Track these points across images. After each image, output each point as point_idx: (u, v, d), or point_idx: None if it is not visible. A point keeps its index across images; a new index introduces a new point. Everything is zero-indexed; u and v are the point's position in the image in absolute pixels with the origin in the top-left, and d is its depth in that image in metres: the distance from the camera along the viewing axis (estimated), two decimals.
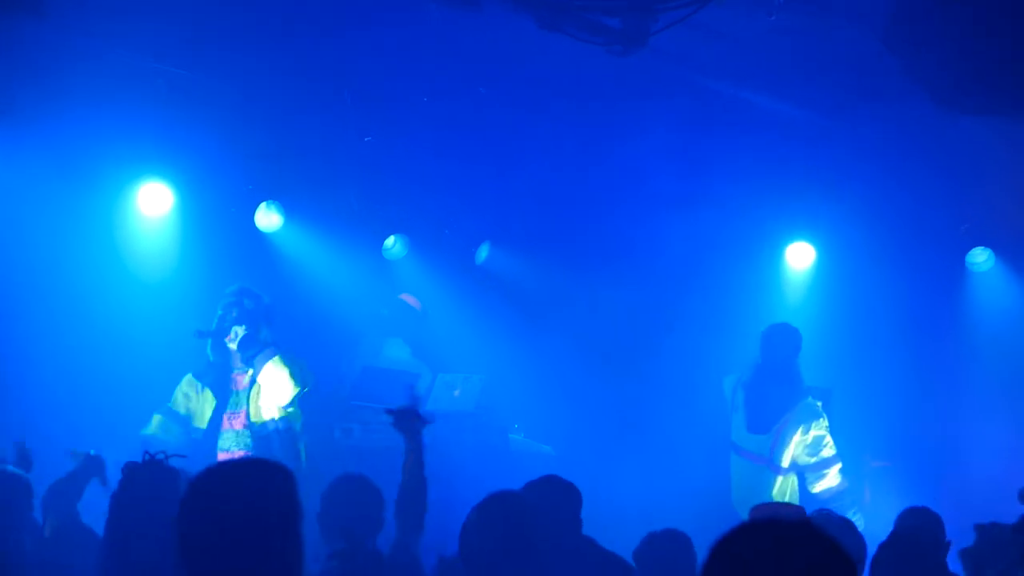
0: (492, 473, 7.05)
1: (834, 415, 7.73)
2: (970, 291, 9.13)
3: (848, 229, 8.85)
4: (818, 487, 7.54)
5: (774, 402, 7.54)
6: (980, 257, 9.05)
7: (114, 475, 3.82)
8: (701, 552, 4.78)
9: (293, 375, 6.69)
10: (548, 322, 9.36)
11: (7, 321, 7.20)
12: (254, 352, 6.73)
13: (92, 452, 5.11)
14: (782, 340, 7.62)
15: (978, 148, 7.78)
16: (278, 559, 2.68)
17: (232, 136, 7.55)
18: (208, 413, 6.85)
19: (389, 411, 4.97)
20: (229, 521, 2.64)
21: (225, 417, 6.83)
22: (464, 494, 4.80)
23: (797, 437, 7.50)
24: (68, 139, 7.06)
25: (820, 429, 7.51)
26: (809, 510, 6.88)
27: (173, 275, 7.80)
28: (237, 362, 6.85)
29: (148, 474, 3.66)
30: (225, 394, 6.88)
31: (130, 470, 3.69)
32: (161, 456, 3.72)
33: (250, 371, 6.80)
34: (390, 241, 9.04)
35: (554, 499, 4.62)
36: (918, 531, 5.25)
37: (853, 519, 7.21)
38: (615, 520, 6.46)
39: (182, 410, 6.87)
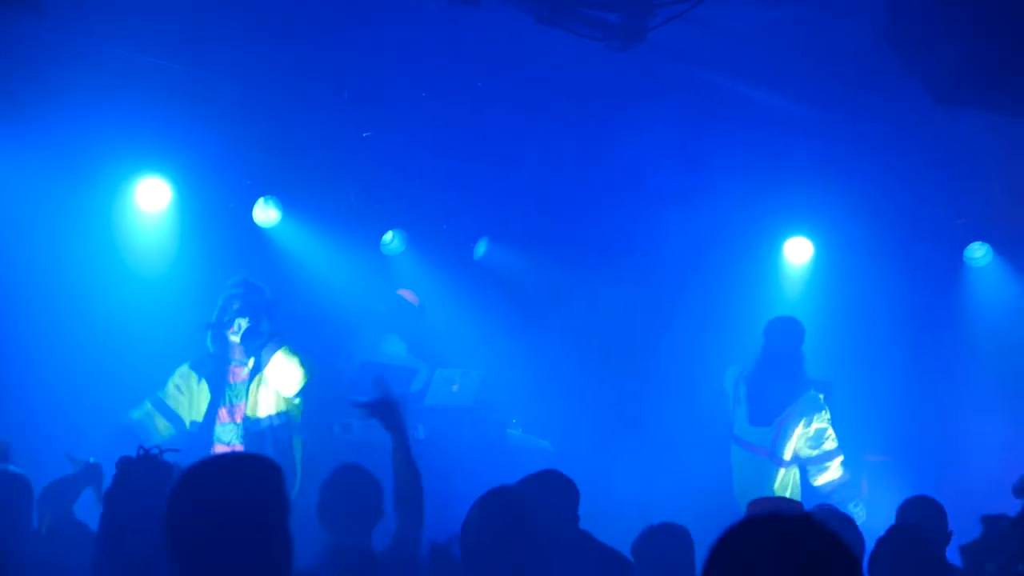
0: (490, 468, 7.05)
1: (836, 408, 7.74)
2: (968, 286, 9.14)
3: (846, 224, 8.87)
4: (820, 480, 7.57)
5: (776, 395, 7.56)
6: (978, 252, 9.06)
7: (109, 473, 3.82)
8: (699, 546, 4.82)
9: (302, 363, 6.67)
10: (546, 317, 9.36)
11: (5, 317, 7.19)
12: (259, 344, 6.71)
13: (91, 460, 5.09)
14: (785, 333, 7.63)
15: (976, 144, 7.79)
16: (266, 553, 2.70)
17: (230, 132, 7.55)
18: (204, 405, 6.80)
19: (360, 404, 4.81)
20: (217, 515, 2.67)
21: (224, 410, 6.79)
22: (462, 489, 4.81)
23: (799, 430, 7.52)
24: (66, 135, 7.06)
25: (822, 422, 7.53)
26: (811, 502, 6.93)
27: (171, 270, 7.80)
28: (236, 354, 6.82)
29: (142, 469, 3.66)
30: (221, 386, 6.83)
31: (124, 465, 3.69)
32: (155, 451, 3.72)
33: (250, 363, 6.77)
34: (388, 237, 9.05)
35: (551, 493, 4.63)
36: (919, 522, 5.27)
37: (854, 511, 7.28)
38: (613, 515, 6.46)
39: (172, 403, 6.82)
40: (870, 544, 4.66)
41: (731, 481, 7.81)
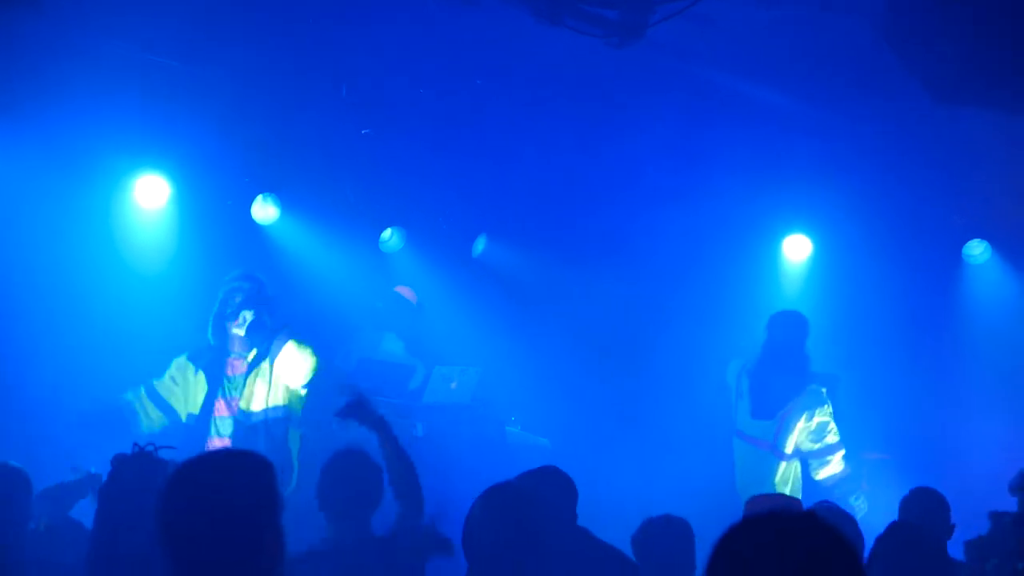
0: (488, 466, 7.05)
1: (839, 402, 7.75)
2: (966, 284, 9.15)
3: (845, 222, 8.87)
4: (821, 474, 7.58)
5: (779, 388, 7.58)
6: (976, 250, 9.06)
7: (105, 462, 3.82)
8: (699, 541, 4.82)
9: (313, 353, 6.66)
10: (545, 315, 9.37)
11: (2, 314, 7.18)
12: (265, 336, 6.68)
13: (93, 471, 5.10)
14: (789, 327, 7.65)
15: (975, 142, 7.80)
16: (258, 550, 2.70)
17: (229, 128, 7.54)
18: (200, 397, 6.75)
19: (337, 414, 4.97)
20: (208, 513, 2.68)
21: (222, 403, 6.73)
22: (460, 486, 4.81)
23: (801, 423, 7.54)
24: (65, 132, 7.05)
25: (824, 415, 7.55)
26: (812, 496, 6.94)
27: (170, 267, 7.79)
28: (236, 347, 6.77)
29: (136, 465, 3.66)
30: (219, 379, 6.77)
31: (118, 462, 3.69)
32: (150, 447, 3.72)
33: (250, 356, 6.74)
34: (387, 234, 9.04)
35: (549, 490, 4.62)
36: (922, 514, 5.29)
37: (855, 505, 7.30)
38: (611, 512, 6.46)
39: (165, 392, 6.77)
40: (869, 541, 4.67)
41: (731, 476, 7.83)
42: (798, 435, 7.54)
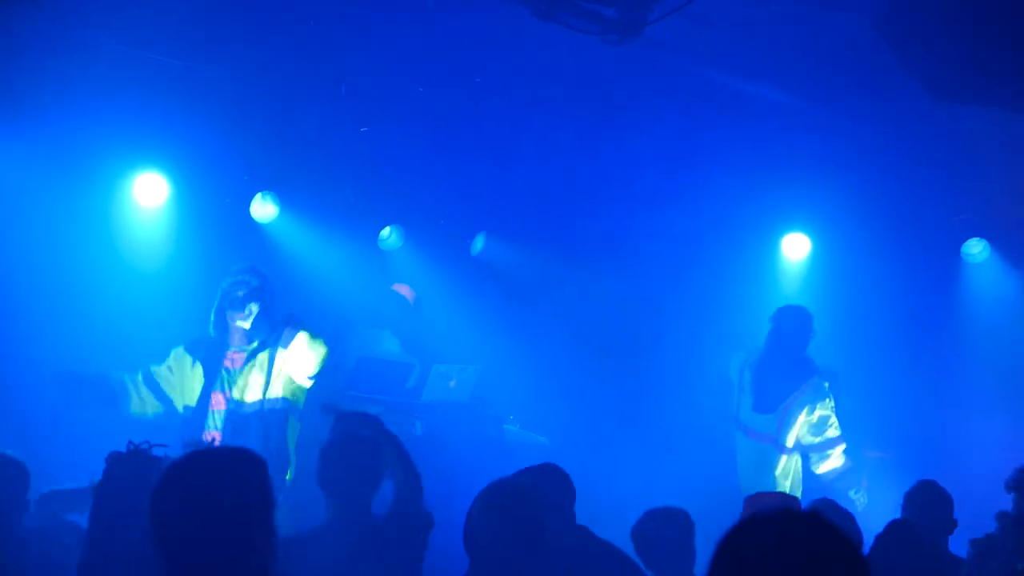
0: (487, 464, 7.04)
1: (840, 397, 7.76)
2: (965, 282, 9.15)
3: (844, 220, 8.88)
4: (822, 468, 7.58)
5: (782, 382, 7.57)
6: (975, 248, 9.07)
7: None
8: (699, 536, 4.82)
9: (325, 341, 6.64)
10: (544, 313, 9.36)
11: (1, 313, 7.18)
12: (271, 329, 6.65)
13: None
14: (792, 321, 7.64)
15: (974, 140, 7.80)
16: (250, 549, 2.71)
17: (228, 127, 7.54)
18: (197, 389, 6.69)
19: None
20: (200, 512, 2.69)
21: (220, 395, 6.66)
22: (459, 485, 4.81)
23: (803, 417, 7.54)
24: (64, 129, 7.05)
25: (826, 409, 7.54)
26: (812, 490, 6.94)
27: (169, 265, 7.79)
28: (235, 340, 6.71)
29: (132, 464, 3.66)
30: (216, 371, 6.70)
31: (113, 460, 3.69)
32: (144, 445, 3.72)
33: (252, 347, 6.68)
34: (386, 232, 9.04)
35: (547, 487, 4.62)
36: (925, 509, 5.30)
37: (855, 498, 7.30)
38: (611, 510, 6.47)
39: (162, 382, 6.74)
40: (868, 538, 4.67)
41: (731, 473, 7.82)
42: (799, 428, 7.54)
